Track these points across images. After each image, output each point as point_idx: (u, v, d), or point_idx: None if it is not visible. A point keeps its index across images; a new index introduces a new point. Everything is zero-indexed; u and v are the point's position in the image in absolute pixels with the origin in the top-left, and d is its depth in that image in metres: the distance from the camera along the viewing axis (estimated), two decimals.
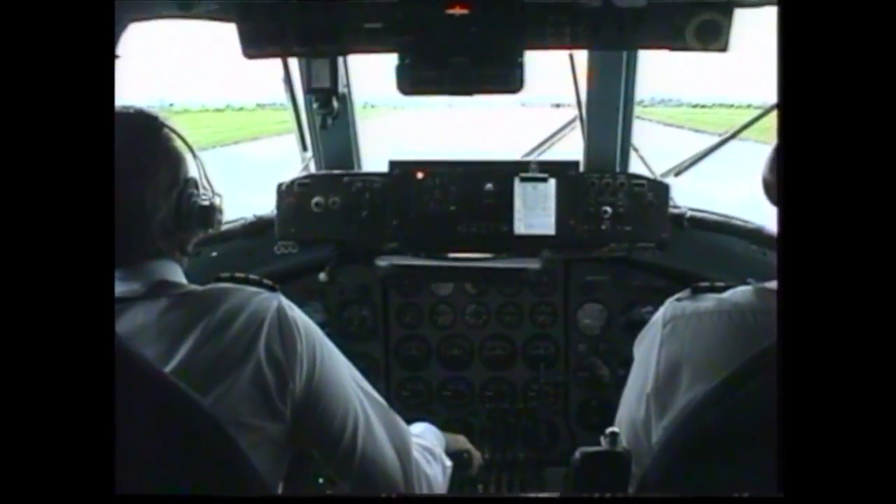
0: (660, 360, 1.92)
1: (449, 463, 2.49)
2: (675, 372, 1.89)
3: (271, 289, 1.99)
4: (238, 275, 2.02)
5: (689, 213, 3.27)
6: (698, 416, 1.67)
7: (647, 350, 2.00)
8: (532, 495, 2.40)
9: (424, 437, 2.56)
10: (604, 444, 1.76)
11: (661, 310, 2.01)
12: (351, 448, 2.05)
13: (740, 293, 1.91)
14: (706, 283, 1.99)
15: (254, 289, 1.96)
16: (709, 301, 1.92)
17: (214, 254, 3.03)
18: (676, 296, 2.01)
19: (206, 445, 1.74)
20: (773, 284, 1.90)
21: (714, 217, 3.30)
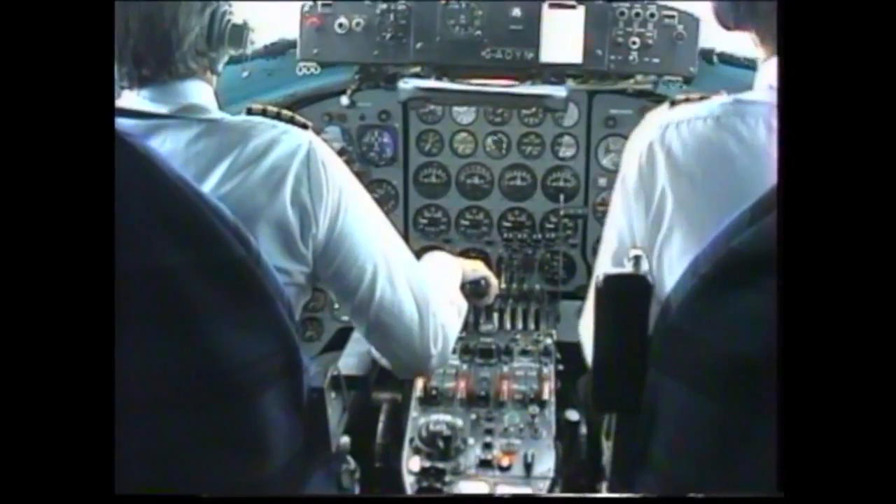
0: (641, 156, 1.89)
1: (465, 305, 2.51)
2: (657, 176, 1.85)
3: (303, 126, 1.97)
4: (270, 108, 1.99)
5: (718, 48, 3.20)
6: (724, 241, 1.66)
7: (633, 147, 1.96)
8: (531, 495, 2.43)
9: (443, 269, 2.58)
10: (627, 266, 1.77)
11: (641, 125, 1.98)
12: (368, 297, 2.08)
13: (717, 105, 1.83)
14: (682, 97, 1.95)
15: (285, 126, 1.93)
16: (689, 110, 1.86)
17: (246, 74, 3.00)
18: (654, 111, 1.98)
19: (230, 254, 1.76)
20: (746, 96, 1.85)
21: (744, 53, 3.22)
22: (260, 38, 3.22)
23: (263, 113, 1.98)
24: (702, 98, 1.91)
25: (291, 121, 1.98)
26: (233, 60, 2.11)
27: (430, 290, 2.22)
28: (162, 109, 1.90)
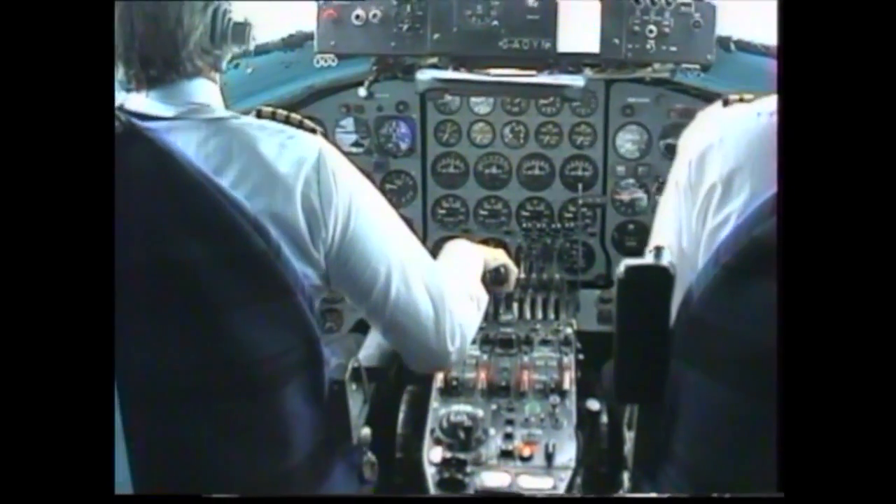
0: (692, 154, 1.89)
1: (485, 298, 2.50)
2: (706, 163, 1.85)
3: (312, 131, 1.97)
4: (280, 112, 1.99)
5: (736, 36, 3.19)
6: (747, 230, 1.66)
7: (684, 145, 1.98)
8: (532, 495, 2.42)
9: (464, 260, 2.58)
10: (649, 258, 1.76)
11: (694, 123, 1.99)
12: (383, 298, 2.08)
13: (772, 103, 1.82)
14: (736, 96, 1.95)
15: (293, 130, 1.93)
16: (743, 108, 1.88)
17: (249, 70, 3.01)
18: (707, 109, 1.99)
19: (251, 247, 1.77)
20: None
21: (762, 40, 3.21)
22: (277, 30, 3.25)
23: (273, 116, 1.99)
24: (754, 98, 1.91)
25: (300, 125, 1.98)
26: (247, 52, 2.11)
27: (446, 288, 2.21)
28: (170, 110, 1.90)
